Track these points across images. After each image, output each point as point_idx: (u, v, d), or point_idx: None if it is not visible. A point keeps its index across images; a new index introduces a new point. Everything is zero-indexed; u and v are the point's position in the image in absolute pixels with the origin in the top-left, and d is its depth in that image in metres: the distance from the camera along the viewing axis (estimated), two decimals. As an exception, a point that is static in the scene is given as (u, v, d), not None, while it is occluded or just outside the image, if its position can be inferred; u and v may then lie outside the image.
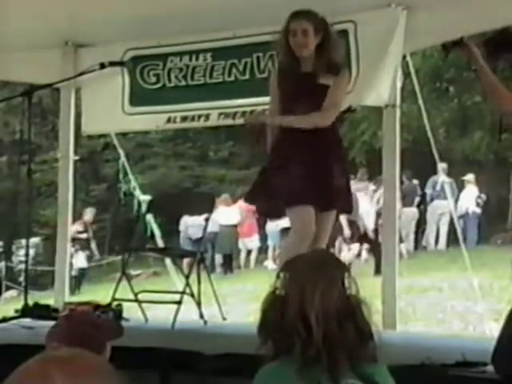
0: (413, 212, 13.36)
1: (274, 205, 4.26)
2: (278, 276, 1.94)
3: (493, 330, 5.13)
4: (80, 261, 14.07)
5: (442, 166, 11.28)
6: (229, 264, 14.22)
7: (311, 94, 4.18)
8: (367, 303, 1.90)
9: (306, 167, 4.14)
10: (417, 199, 13.57)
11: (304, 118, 4.16)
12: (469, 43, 3.31)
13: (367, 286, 2.10)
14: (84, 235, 14.13)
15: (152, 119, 5.66)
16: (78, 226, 13.68)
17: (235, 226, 14.31)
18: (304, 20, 4.15)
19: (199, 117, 5.40)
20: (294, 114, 4.19)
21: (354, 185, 13.53)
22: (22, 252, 18.36)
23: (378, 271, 8.99)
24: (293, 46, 4.18)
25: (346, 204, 4.34)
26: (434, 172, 12.45)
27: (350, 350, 1.84)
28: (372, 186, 13.39)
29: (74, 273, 13.73)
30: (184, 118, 5.48)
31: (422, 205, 13.67)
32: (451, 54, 3.53)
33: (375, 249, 10.64)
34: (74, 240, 13.23)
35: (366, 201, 13.36)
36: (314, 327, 1.82)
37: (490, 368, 3.08)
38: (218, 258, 14.35)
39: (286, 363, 1.86)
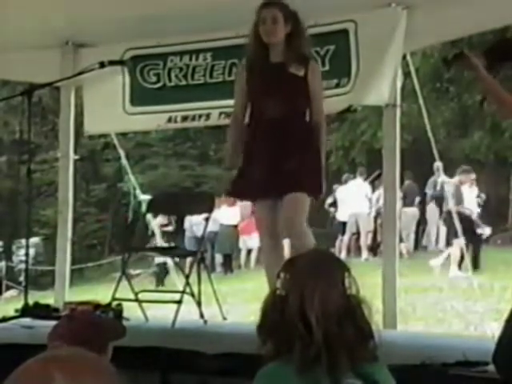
0: (413, 212, 13.37)
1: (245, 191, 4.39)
2: (278, 276, 1.93)
3: (493, 329, 5.13)
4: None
5: (437, 164, 11.28)
6: (229, 264, 14.22)
7: (282, 84, 4.24)
8: (367, 303, 1.90)
9: (265, 162, 4.21)
10: (417, 199, 13.57)
11: (322, 145, 4.33)
12: (469, 55, 3.30)
13: (367, 286, 2.10)
14: (169, 228, 13.17)
15: (153, 119, 5.66)
16: (162, 219, 12.77)
17: (235, 226, 14.32)
18: (274, 7, 4.22)
19: (200, 116, 5.41)
20: (265, 105, 4.23)
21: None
22: (22, 252, 18.37)
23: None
24: (262, 33, 4.24)
25: (309, 186, 4.27)
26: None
27: (350, 350, 1.84)
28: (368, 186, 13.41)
29: (154, 268, 13.27)
30: (185, 118, 5.48)
31: (422, 205, 13.67)
32: (453, 68, 3.51)
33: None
34: (160, 233, 12.93)
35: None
36: (315, 327, 1.81)
37: (491, 367, 3.07)
38: (218, 258, 14.35)
39: (286, 363, 1.86)
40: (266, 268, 4.38)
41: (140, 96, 5.57)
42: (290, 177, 4.19)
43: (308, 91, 4.26)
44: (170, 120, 5.51)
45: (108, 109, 5.70)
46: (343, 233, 13.63)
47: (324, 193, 4.50)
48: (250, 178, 4.28)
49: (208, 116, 5.33)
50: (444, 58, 3.50)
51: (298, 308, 1.84)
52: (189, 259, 7.29)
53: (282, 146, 4.21)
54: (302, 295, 1.84)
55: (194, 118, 5.44)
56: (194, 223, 12.87)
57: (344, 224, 13.64)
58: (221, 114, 5.29)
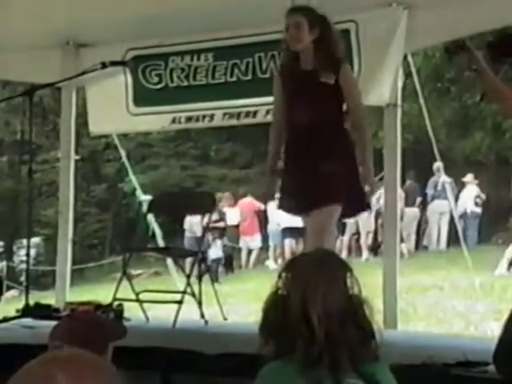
0: (414, 212, 13.36)
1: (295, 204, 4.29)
2: (279, 276, 1.93)
3: (494, 329, 5.13)
4: (215, 251, 13.03)
5: (437, 165, 11.28)
6: (230, 264, 14.21)
7: (312, 93, 4.18)
8: (369, 303, 1.90)
9: (298, 173, 4.17)
10: (418, 199, 13.57)
11: (367, 144, 4.29)
12: (471, 47, 3.30)
13: (368, 286, 2.10)
14: (221, 224, 13.03)
15: (157, 119, 5.66)
16: (214, 215, 12.83)
17: (236, 227, 14.29)
18: (297, 14, 4.15)
19: (204, 117, 5.40)
20: (296, 112, 4.18)
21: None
22: (23, 252, 18.35)
23: None
24: (287, 40, 4.19)
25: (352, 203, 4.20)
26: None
27: (352, 350, 1.84)
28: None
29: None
30: (189, 119, 5.48)
31: (423, 205, 13.67)
32: (454, 58, 3.50)
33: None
34: (210, 229, 12.68)
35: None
36: (316, 327, 1.81)
37: (492, 368, 3.07)
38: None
39: (287, 363, 1.86)
40: None
41: (143, 97, 5.58)
42: (321, 188, 4.09)
43: (340, 97, 4.17)
44: (174, 121, 5.51)
45: (112, 109, 5.70)
46: (343, 233, 13.61)
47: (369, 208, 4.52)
48: (289, 191, 4.23)
49: (212, 117, 5.33)
50: (446, 48, 3.49)
51: (300, 308, 1.83)
52: (189, 259, 7.29)
53: (313, 158, 4.13)
54: (305, 295, 1.84)
55: (198, 119, 5.44)
56: (195, 223, 12.86)
57: (343, 224, 13.62)
58: (225, 114, 5.30)
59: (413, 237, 13.56)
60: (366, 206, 4.46)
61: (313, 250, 2.18)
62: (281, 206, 4.47)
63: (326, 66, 4.15)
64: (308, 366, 1.82)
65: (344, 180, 4.14)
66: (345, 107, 4.23)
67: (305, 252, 2.02)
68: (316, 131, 4.14)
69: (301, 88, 4.20)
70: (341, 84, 4.15)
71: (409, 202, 12.95)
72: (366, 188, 4.25)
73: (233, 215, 14.08)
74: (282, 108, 4.30)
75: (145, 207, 6.19)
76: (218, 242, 13.33)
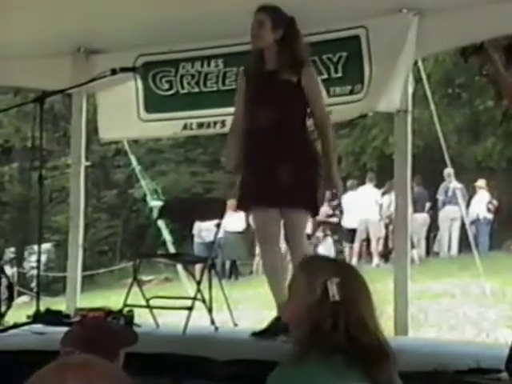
0: (423, 218, 13.32)
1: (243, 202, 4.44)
2: (294, 279, 1.92)
3: (506, 336, 5.11)
4: (326, 247, 12.65)
5: (448, 170, 11.25)
6: (235, 270, 14.18)
7: (275, 91, 4.25)
8: (381, 311, 1.90)
9: (260, 169, 4.24)
10: (427, 205, 13.53)
11: (331, 145, 4.31)
12: (489, 49, 3.28)
13: (379, 292, 2.09)
14: (334, 219, 12.55)
15: (168, 126, 5.67)
16: (328, 208, 12.13)
17: (240, 233, 14.23)
18: (260, 12, 4.26)
19: (215, 123, 5.41)
20: (260, 111, 4.25)
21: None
22: (34, 258, 18.41)
23: None
24: (251, 39, 4.30)
25: (305, 204, 4.30)
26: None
27: (366, 356, 1.83)
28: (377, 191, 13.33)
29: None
30: (200, 125, 5.48)
31: (433, 210, 13.63)
32: (470, 60, 3.49)
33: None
34: (323, 223, 12.13)
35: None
36: (342, 333, 1.81)
37: (504, 375, 3.05)
38: (228, 264, 14.34)
39: (297, 369, 1.85)
40: (268, 276, 4.42)
41: (154, 103, 5.59)
42: (285, 189, 4.21)
43: (303, 97, 4.25)
44: (185, 127, 5.52)
45: (122, 115, 5.71)
46: (352, 240, 13.57)
47: (319, 212, 4.58)
48: (247, 189, 4.33)
49: (223, 123, 5.33)
50: (463, 51, 3.48)
51: (354, 316, 1.84)
52: (198, 265, 7.29)
53: (274, 156, 4.22)
54: (358, 304, 1.85)
55: (209, 125, 5.45)
56: (204, 229, 12.87)
57: (353, 231, 13.58)
58: None
59: (423, 243, 13.52)
60: (315, 213, 4.49)
61: (345, 264, 2.18)
62: (241, 206, 4.57)
63: (288, 66, 4.24)
64: (321, 369, 1.81)
65: (301, 186, 4.24)
66: (308, 110, 4.31)
67: (321, 255, 2.00)
68: (279, 129, 4.22)
69: (264, 87, 4.28)
70: (304, 85, 4.23)
71: (418, 208, 12.91)
72: (332, 191, 4.35)
73: (237, 221, 14.00)
74: (243, 108, 4.39)
75: (155, 213, 6.20)
76: (329, 240, 12.84)
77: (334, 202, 12.77)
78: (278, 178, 4.20)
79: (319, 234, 12.27)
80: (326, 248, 12.78)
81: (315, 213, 4.47)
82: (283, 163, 4.21)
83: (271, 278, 4.41)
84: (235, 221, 13.86)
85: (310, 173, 4.27)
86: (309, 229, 11.51)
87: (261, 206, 4.30)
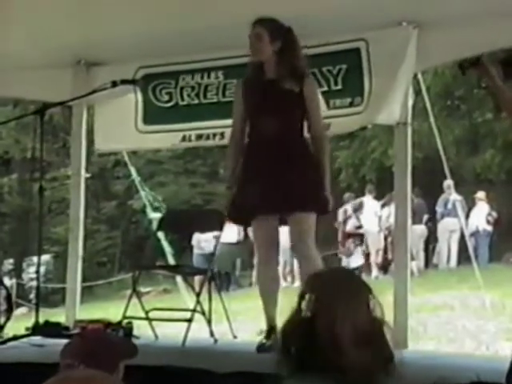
0: (421, 229, 13.31)
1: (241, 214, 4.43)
2: (302, 296, 1.88)
3: (506, 349, 5.09)
4: (356, 259, 12.55)
5: (447, 182, 11.25)
6: (227, 282, 14.15)
7: (276, 100, 4.28)
8: (389, 325, 1.87)
9: (263, 179, 4.25)
10: (425, 217, 13.52)
11: (326, 157, 4.34)
12: (486, 63, 3.29)
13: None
14: (360, 230, 12.45)
15: (167, 137, 5.67)
16: (355, 220, 12.21)
17: (233, 245, 14.18)
18: (257, 25, 4.30)
19: (214, 135, 5.41)
20: (260, 123, 4.28)
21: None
22: (32, 269, 18.37)
23: None
24: (250, 52, 4.34)
25: (313, 203, 4.30)
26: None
27: (371, 373, 1.82)
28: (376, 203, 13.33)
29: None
30: (199, 136, 5.48)
31: (431, 222, 13.62)
32: (468, 73, 3.49)
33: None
34: (352, 235, 12.18)
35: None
36: (345, 351, 1.78)
37: (505, 388, 3.04)
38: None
39: (300, 381, 1.83)
40: (261, 285, 4.41)
41: (153, 114, 5.59)
42: (290, 193, 4.22)
43: (304, 107, 4.29)
44: (184, 139, 5.52)
45: (119, 127, 5.71)
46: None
47: (331, 208, 4.50)
48: (246, 198, 4.30)
49: (222, 135, 5.34)
50: (460, 64, 3.48)
51: (328, 333, 1.79)
52: (198, 277, 7.28)
53: (279, 164, 4.24)
54: (334, 319, 1.79)
55: (208, 137, 5.45)
56: (203, 240, 12.84)
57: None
58: None
59: (421, 255, 13.51)
60: (324, 210, 4.44)
61: (335, 270, 2.12)
62: (238, 219, 4.60)
63: (289, 75, 4.28)
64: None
65: (308, 188, 4.25)
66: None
67: (324, 270, 1.95)
68: (281, 138, 4.24)
69: (265, 96, 4.31)
70: (306, 95, 4.27)
71: (415, 220, 12.90)
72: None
73: (230, 233, 13.93)
74: (241, 119, 4.40)
75: (154, 225, 6.19)
76: (359, 250, 12.88)
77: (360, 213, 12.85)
78: (283, 185, 4.21)
79: (350, 245, 12.32)
80: (357, 259, 12.76)
81: (324, 210, 4.39)
82: (286, 171, 4.22)
83: (265, 286, 4.41)
84: (229, 232, 13.83)
85: (314, 176, 4.29)
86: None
87: (264, 215, 4.29)
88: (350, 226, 12.81)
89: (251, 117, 4.36)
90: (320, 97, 4.49)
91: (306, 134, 4.38)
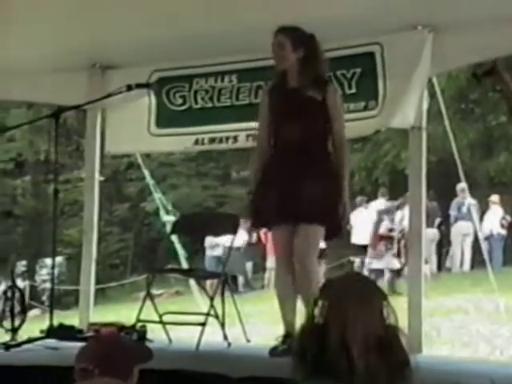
0: (433, 233, 13.25)
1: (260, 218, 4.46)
2: (315, 303, 1.89)
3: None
4: (387, 261, 12.21)
5: (461, 186, 11.19)
6: (235, 285, 14.14)
7: (299, 108, 4.29)
8: (404, 332, 1.87)
9: (282, 186, 4.26)
10: (437, 220, 13.47)
11: (345, 164, 4.35)
12: (501, 70, 3.28)
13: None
14: (392, 233, 12.22)
15: (179, 141, 5.68)
16: (388, 222, 11.99)
17: (245, 247, 14.17)
18: (280, 34, 4.32)
19: (227, 139, 5.41)
20: (285, 128, 4.29)
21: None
22: (45, 271, 18.46)
23: None
24: (274, 60, 4.35)
25: (326, 223, 4.28)
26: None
27: (388, 380, 1.81)
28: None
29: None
30: (212, 140, 5.48)
31: (444, 226, 13.55)
32: (482, 80, 3.48)
33: None
34: (384, 238, 12.13)
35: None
36: (356, 358, 1.79)
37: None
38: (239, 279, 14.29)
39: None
40: (279, 292, 4.41)
41: (166, 118, 5.60)
42: (304, 204, 4.22)
43: (327, 115, 4.29)
44: (197, 142, 5.52)
45: (131, 129, 5.72)
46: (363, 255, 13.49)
47: (342, 232, 4.52)
48: (266, 204, 4.32)
49: (235, 138, 5.34)
50: (474, 73, 3.48)
51: (339, 339, 1.80)
52: (210, 280, 7.28)
53: (300, 172, 4.25)
54: (344, 326, 1.81)
55: (221, 141, 5.45)
56: (215, 243, 12.85)
57: (364, 247, 13.50)
58: (248, 136, 5.30)
59: (434, 258, 13.45)
60: (340, 231, 4.46)
61: (350, 276, 2.11)
62: (257, 223, 4.61)
63: (312, 83, 4.29)
64: None
65: (325, 201, 4.24)
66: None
67: (338, 277, 1.95)
68: (304, 146, 4.25)
69: (289, 104, 4.33)
70: (328, 103, 4.28)
71: (428, 223, 12.82)
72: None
73: (237, 237, 13.91)
74: (266, 126, 4.42)
75: (168, 228, 6.19)
76: (390, 253, 12.55)
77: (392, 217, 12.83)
78: (301, 194, 4.21)
79: (381, 247, 12.34)
80: (387, 262, 12.70)
81: (337, 229, 4.41)
82: (307, 179, 4.23)
83: (284, 294, 4.40)
84: (240, 235, 13.83)
85: (332, 188, 4.28)
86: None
87: (283, 221, 4.30)
88: (383, 228, 12.78)
89: (275, 124, 4.38)
90: (343, 104, 4.49)
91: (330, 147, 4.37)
